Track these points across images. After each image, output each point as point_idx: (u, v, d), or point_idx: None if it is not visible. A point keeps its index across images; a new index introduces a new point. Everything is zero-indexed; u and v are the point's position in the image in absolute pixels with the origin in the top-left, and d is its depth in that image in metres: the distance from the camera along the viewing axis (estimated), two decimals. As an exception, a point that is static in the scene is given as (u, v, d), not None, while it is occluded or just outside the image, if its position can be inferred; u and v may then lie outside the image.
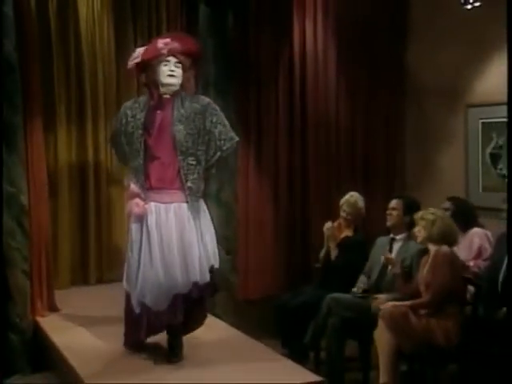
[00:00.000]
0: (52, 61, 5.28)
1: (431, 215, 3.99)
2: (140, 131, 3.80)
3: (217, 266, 3.87)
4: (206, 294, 3.83)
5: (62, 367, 4.07)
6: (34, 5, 5.01)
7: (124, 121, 3.89)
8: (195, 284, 3.69)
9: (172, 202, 3.74)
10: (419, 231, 4.03)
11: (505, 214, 3.86)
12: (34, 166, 4.71)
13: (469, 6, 4.76)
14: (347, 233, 4.83)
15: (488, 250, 4.45)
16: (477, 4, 4.73)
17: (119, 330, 4.09)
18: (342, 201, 4.84)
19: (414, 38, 5.78)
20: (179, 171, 3.77)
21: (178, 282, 3.64)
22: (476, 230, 4.55)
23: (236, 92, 5.26)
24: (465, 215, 4.57)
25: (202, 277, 3.71)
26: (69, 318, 4.62)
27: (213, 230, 3.90)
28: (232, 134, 3.89)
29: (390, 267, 4.29)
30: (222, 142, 3.83)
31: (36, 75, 4.76)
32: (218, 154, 3.83)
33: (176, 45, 3.82)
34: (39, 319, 4.63)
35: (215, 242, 3.89)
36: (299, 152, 5.61)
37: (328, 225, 4.78)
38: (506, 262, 4.00)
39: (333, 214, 5.40)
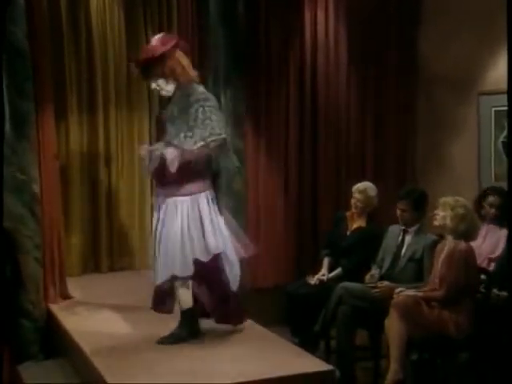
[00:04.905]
0: (63, 48, 5.27)
1: (462, 209, 3.83)
2: None
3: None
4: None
5: (74, 354, 4.11)
6: (44, -7, 5.01)
7: None
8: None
9: None
10: (443, 218, 3.86)
11: None
12: (46, 153, 4.72)
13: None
14: (360, 223, 4.80)
15: None
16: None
17: (130, 316, 4.11)
18: (354, 188, 4.82)
19: (426, 26, 5.72)
20: None
21: None
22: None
23: (246, 81, 5.23)
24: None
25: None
26: (81, 305, 4.66)
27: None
28: None
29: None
30: None
31: (47, 63, 4.77)
32: None
33: (138, 64, 3.91)
34: (52, 306, 4.67)
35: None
36: (309, 141, 5.59)
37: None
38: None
39: (342, 203, 5.41)
